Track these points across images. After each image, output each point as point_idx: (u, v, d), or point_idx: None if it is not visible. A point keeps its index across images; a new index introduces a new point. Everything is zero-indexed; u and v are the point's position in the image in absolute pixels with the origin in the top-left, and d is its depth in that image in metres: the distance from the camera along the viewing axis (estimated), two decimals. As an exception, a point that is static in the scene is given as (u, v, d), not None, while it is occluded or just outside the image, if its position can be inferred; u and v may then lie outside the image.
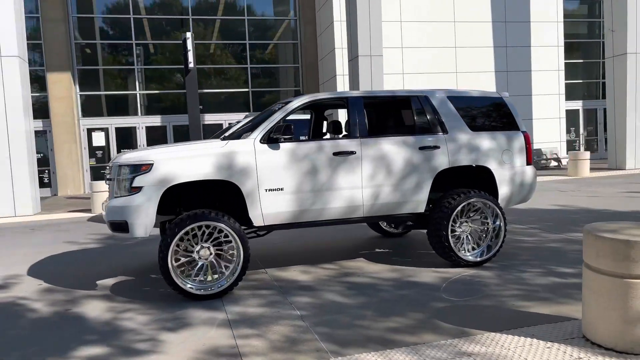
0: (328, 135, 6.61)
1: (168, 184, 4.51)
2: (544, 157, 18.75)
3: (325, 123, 6.53)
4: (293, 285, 4.86)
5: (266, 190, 4.79)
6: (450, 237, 5.17)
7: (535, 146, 19.44)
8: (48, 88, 17.86)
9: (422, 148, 5.24)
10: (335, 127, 5.91)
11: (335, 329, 3.65)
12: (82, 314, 4.30)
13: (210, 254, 4.65)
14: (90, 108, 18.62)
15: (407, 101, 5.72)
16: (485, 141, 5.47)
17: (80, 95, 18.51)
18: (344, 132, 5.80)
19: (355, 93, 5.29)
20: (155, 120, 18.90)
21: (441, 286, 4.62)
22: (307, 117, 10.34)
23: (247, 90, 19.74)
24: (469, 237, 5.42)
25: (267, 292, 4.67)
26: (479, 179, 5.80)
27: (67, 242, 7.94)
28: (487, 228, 5.42)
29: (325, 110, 6.38)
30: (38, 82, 18.20)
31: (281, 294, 4.59)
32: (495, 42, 18.86)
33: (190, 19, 18.97)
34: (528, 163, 5.68)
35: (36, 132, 18.24)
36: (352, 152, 5.04)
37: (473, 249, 5.39)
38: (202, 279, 4.62)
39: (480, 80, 18.69)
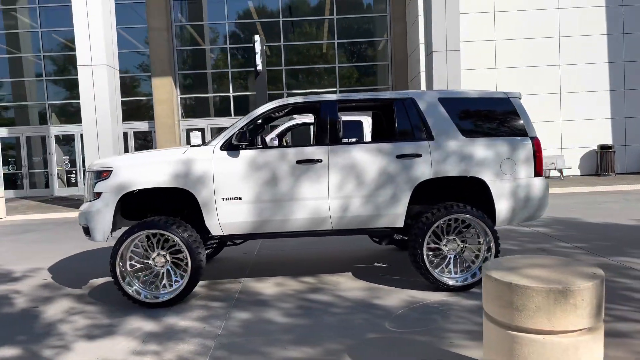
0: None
1: (124, 191, 4.58)
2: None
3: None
4: (250, 299, 4.67)
5: (223, 199, 4.66)
6: (425, 257, 4.60)
7: (660, 147, 16.80)
8: (153, 92, 19.45)
9: (400, 156, 4.72)
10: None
11: (233, 353, 3.41)
12: (41, 313, 4.54)
13: (166, 261, 4.64)
14: (189, 110, 19.91)
15: (390, 105, 5.20)
16: (480, 149, 4.77)
17: (180, 98, 19.87)
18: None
19: (330, 97, 4.93)
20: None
21: (396, 313, 4.12)
22: (359, 118, 9.95)
23: (334, 89, 19.68)
24: (459, 257, 4.78)
25: (218, 305, 4.54)
26: (475, 193, 5.10)
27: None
28: (481, 248, 4.74)
29: (300, 114, 6.00)
30: (146, 86, 19.92)
31: (228, 308, 4.43)
32: (610, 29, 16.59)
33: (281, 21, 19.38)
34: (537, 174, 4.85)
35: (142, 133, 20.00)
36: (318, 160, 4.69)
37: (462, 271, 4.75)
38: (158, 285, 4.63)
39: (588, 73, 16.60)
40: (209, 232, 4.94)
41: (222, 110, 19.82)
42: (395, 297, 4.53)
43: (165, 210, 5.12)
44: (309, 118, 9.50)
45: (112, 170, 4.63)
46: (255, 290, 4.97)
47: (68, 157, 19.75)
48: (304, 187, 4.69)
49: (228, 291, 4.98)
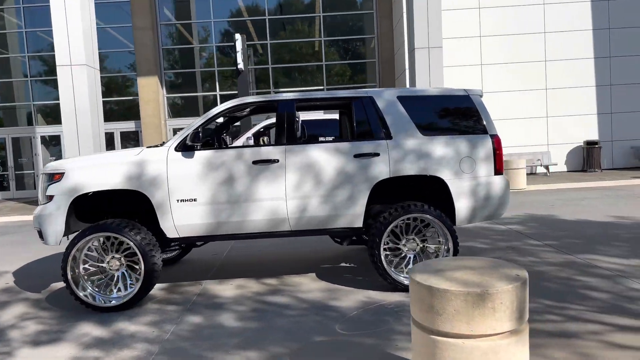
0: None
1: (76, 194, 4.50)
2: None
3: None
4: (207, 302, 4.61)
5: (178, 200, 4.59)
6: (382, 257, 4.54)
7: (646, 142, 16.78)
8: (139, 91, 19.34)
9: (357, 156, 4.66)
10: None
11: (174, 358, 3.35)
12: (-7, 318, 4.47)
13: (121, 264, 4.57)
14: (176, 109, 19.81)
15: (349, 104, 5.14)
16: (439, 147, 4.71)
17: (167, 97, 19.77)
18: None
19: (288, 96, 4.86)
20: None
21: (350, 314, 4.06)
22: (335, 116, 9.88)
23: (322, 87, 19.60)
24: (420, 257, 4.73)
25: (172, 308, 4.48)
26: (435, 192, 5.04)
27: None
28: (440, 248, 4.69)
29: (260, 113, 5.90)
30: (133, 86, 19.81)
31: (182, 312, 4.36)
32: (595, 24, 16.55)
33: (267, 20, 19.28)
34: (497, 172, 4.79)
35: (128, 133, 19.90)
36: (275, 161, 4.63)
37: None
38: (112, 289, 4.56)
39: (574, 68, 16.56)
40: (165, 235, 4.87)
41: (209, 109, 19.72)
42: (352, 299, 4.47)
43: (123, 212, 5.05)
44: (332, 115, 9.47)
45: (64, 173, 4.56)
46: (215, 292, 4.91)
47: (54, 158, 19.64)
48: (261, 188, 4.62)
49: (187, 294, 4.91)
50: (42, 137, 19.85)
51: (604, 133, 16.75)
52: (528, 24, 16.55)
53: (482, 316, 2.21)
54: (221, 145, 5.52)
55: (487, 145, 4.77)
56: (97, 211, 5.04)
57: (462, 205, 4.73)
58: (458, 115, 4.84)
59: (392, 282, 4.56)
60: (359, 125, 4.79)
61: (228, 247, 7.12)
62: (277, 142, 4.73)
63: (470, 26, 16.61)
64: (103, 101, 19.80)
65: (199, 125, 4.69)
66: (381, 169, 4.66)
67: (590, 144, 16.05)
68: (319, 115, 9.60)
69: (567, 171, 16.86)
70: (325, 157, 4.65)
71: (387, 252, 4.70)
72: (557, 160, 16.80)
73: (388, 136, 4.73)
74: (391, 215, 4.56)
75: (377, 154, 4.67)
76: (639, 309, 3.81)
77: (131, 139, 19.95)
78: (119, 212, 5.04)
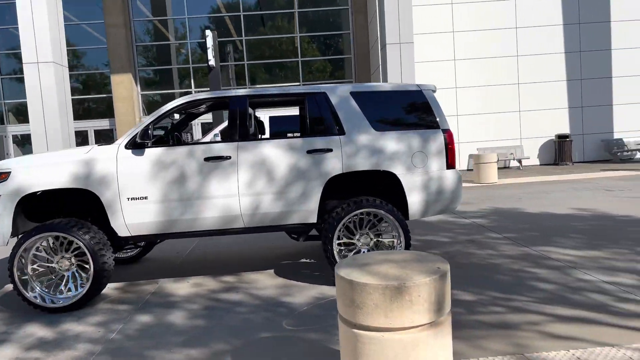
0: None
1: (23, 193, 4.43)
2: (626, 149, 16.39)
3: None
4: (160, 301, 4.58)
5: (128, 199, 4.54)
6: (335, 252, 4.56)
7: (618, 136, 17.06)
8: (112, 89, 19.10)
9: (310, 152, 4.65)
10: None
11: (115, 358, 3.32)
12: (-61, 321, 4.38)
13: (72, 264, 4.51)
14: (151, 107, 19.61)
15: (303, 100, 5.13)
16: (392, 142, 4.73)
17: (142, 94, 19.56)
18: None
19: (240, 92, 4.83)
20: (209, 117, 19.43)
21: (300, 310, 4.06)
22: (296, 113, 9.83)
23: (298, 84, 19.55)
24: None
25: (124, 308, 4.44)
26: (388, 186, 5.06)
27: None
28: (394, 242, 4.71)
29: (215, 110, 5.86)
30: (108, 84, 19.56)
31: (133, 311, 4.33)
32: (566, 19, 16.75)
33: (242, 15, 19.16)
34: (450, 166, 4.83)
35: (103, 131, 19.65)
36: (227, 157, 4.60)
37: (375, 265, 4.70)
38: (62, 290, 4.50)
39: (546, 63, 16.76)
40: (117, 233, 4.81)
41: (184, 106, 19.54)
42: (305, 294, 4.48)
43: (75, 212, 4.98)
44: (258, 113, 9.33)
45: (10, 172, 4.48)
46: (170, 291, 4.87)
47: (27, 157, 19.27)
48: (213, 185, 4.60)
49: (141, 293, 4.87)
50: (14, 136, 19.53)
51: (575, 127, 17.00)
52: (500, 20, 16.69)
53: (400, 309, 2.23)
54: (176, 142, 5.47)
55: (439, 139, 4.80)
56: (49, 211, 4.97)
57: (414, 200, 4.76)
58: (411, 110, 4.87)
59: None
60: (312, 121, 4.78)
61: (192, 245, 7.08)
62: (230, 139, 4.70)
63: (443, 22, 16.70)
64: (78, 99, 19.54)
65: (150, 123, 4.64)
66: (334, 165, 4.66)
67: (561, 137, 16.27)
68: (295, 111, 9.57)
69: (540, 165, 17.08)
70: (278, 154, 4.64)
71: (341, 247, 4.71)
72: (529, 154, 17.01)
73: (341, 132, 4.74)
74: (343, 211, 4.58)
75: (330, 150, 4.67)
76: (581, 299, 3.88)
77: (106, 138, 19.71)
78: (71, 212, 4.97)
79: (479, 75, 16.74)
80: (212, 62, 12.70)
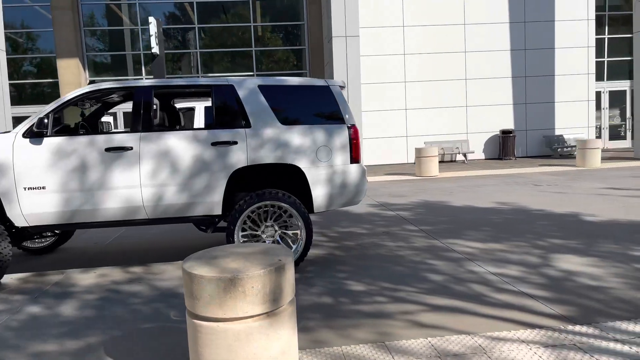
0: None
1: None
2: (566, 145, 17.01)
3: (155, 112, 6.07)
4: (58, 291, 4.54)
5: (25, 188, 4.48)
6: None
7: (559, 132, 17.67)
8: (59, 74, 18.56)
9: (215, 144, 4.68)
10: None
11: (-13, 349, 3.30)
12: None
13: (-35, 254, 4.43)
14: (98, 93, 19.12)
15: (209, 92, 5.15)
16: (297, 136, 4.80)
17: (90, 80, 19.08)
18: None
19: (144, 82, 4.81)
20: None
21: (192, 301, 4.10)
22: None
23: (252, 74, 19.45)
24: (281, 243, 4.82)
25: (18, 298, 4.38)
26: (294, 180, 5.15)
27: None
28: (298, 234, 4.80)
29: (118, 99, 5.76)
30: (50, 68, 18.97)
31: (26, 302, 4.28)
32: (512, 17, 17.18)
33: (195, 3, 18.87)
34: (354, 161, 4.94)
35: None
36: (129, 148, 4.59)
37: (278, 257, 4.79)
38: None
39: (492, 60, 17.17)
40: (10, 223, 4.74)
41: (134, 94, 19.17)
42: (205, 285, 4.51)
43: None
44: (194, 104, 9.24)
45: None
46: (73, 281, 4.84)
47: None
48: (114, 176, 4.58)
49: (43, 283, 4.82)
50: None
51: (519, 122, 17.51)
52: (449, 16, 16.98)
53: (233, 300, 2.30)
54: (80, 131, 5.40)
55: (344, 135, 4.90)
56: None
57: (318, 193, 4.85)
58: (317, 105, 4.95)
59: (246, 268, 4.63)
60: (219, 113, 4.81)
61: (114, 235, 7.02)
62: (132, 129, 4.68)
63: (394, 15, 16.87)
64: (23, 84, 18.92)
65: (50, 111, 4.58)
66: (239, 157, 4.71)
67: (505, 132, 16.74)
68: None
69: (485, 159, 17.55)
70: (182, 145, 4.65)
71: (246, 239, 4.77)
72: (475, 148, 17.44)
73: (247, 125, 4.78)
74: (246, 203, 4.63)
75: (235, 142, 4.71)
76: (461, 290, 4.06)
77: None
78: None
79: (428, 70, 17.02)
80: (155, 49, 12.50)
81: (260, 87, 4.91)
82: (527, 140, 17.58)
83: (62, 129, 4.95)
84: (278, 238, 4.82)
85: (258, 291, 2.33)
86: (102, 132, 4.66)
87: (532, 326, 3.27)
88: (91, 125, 5.59)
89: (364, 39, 16.60)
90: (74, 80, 18.50)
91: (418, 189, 10.64)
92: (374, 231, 6.52)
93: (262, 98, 4.86)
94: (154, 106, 4.83)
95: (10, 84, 18.94)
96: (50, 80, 19.06)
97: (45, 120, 4.43)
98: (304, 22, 19.40)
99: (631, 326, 3.18)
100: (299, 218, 4.70)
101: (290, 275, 2.49)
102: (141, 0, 18.91)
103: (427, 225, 6.70)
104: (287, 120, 4.85)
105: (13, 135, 4.51)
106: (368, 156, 17.23)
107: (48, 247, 6.13)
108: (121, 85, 4.78)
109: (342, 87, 5.17)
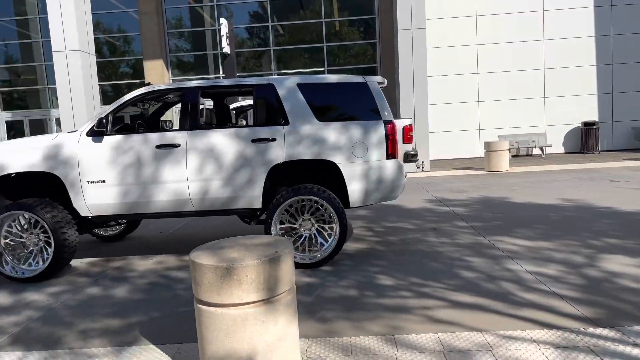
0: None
1: (-3, 175, 4.95)
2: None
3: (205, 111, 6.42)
4: (117, 276, 5.01)
5: (88, 182, 4.98)
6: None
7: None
8: (145, 75, 19.91)
9: (255, 140, 4.93)
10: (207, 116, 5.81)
11: (44, 324, 3.76)
12: None
13: (39, 240, 5.01)
14: (180, 92, 20.30)
15: (251, 91, 5.39)
16: (333, 133, 4.93)
17: (173, 80, 20.28)
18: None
19: (193, 83, 5.15)
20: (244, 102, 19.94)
21: (229, 288, 4.38)
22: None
23: (323, 69, 19.72)
24: (315, 237, 4.99)
25: (82, 280, 4.90)
26: (330, 175, 5.28)
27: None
28: (334, 228, 4.93)
29: (170, 100, 6.12)
30: (139, 70, 20.40)
31: (87, 284, 4.78)
32: (597, 1, 16.05)
33: (269, 2, 19.44)
34: (390, 157, 4.98)
35: (136, 116, 20.55)
36: (177, 145, 4.95)
37: (315, 249, 4.96)
38: (31, 263, 5.01)
39: (574, 47, 16.15)
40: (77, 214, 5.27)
41: (212, 91, 20.13)
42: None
43: (48, 192, 5.48)
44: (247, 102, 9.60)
45: (-15, 156, 5.00)
46: (131, 267, 5.31)
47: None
48: (164, 171, 4.96)
49: (106, 267, 5.33)
50: (57, 119, 20.77)
51: (604, 114, 16.36)
52: (526, 2, 16.19)
53: (229, 287, 2.50)
54: (142, 130, 5.86)
55: (380, 131, 4.95)
56: (26, 192, 5.49)
57: (354, 188, 4.95)
58: (354, 102, 5.04)
59: (283, 259, 4.84)
60: (259, 111, 5.04)
61: (177, 225, 7.53)
62: (181, 128, 5.04)
63: (465, 5, 16.37)
64: (118, 84, 20.50)
65: (109, 112, 5.04)
66: (277, 153, 4.92)
67: (587, 125, 15.73)
68: None
69: (565, 153, 16.59)
70: (225, 142, 4.94)
71: (285, 232, 4.97)
72: (553, 142, 16.54)
73: (285, 122, 4.98)
74: (282, 197, 4.84)
75: (274, 139, 4.93)
76: (490, 287, 4.00)
77: (138, 121, 20.58)
78: (45, 192, 5.47)
79: (502, 60, 16.36)
80: (226, 49, 13.08)
81: (299, 85, 5.08)
82: (613, 132, 16.39)
83: (122, 128, 5.43)
84: (315, 232, 4.98)
85: (252, 280, 2.50)
86: (154, 131, 5.06)
87: (550, 327, 3.19)
88: (151, 124, 6.06)
89: (431, 31, 16.28)
90: (158, 80, 19.76)
91: (482, 184, 10.34)
92: (422, 227, 6.49)
93: (301, 96, 5.03)
94: (201, 106, 5.15)
95: (107, 85, 20.61)
96: (138, 80, 20.50)
97: (104, 121, 4.89)
98: (375, 15, 19.33)
99: (658, 332, 3.01)
100: (333, 213, 4.83)
101: (287, 266, 2.65)
102: (220, 1, 19.76)
103: (479, 222, 6.56)
104: (325, 117, 4.99)
105: (79, 134, 5.03)
106: (435, 150, 16.91)
107: (117, 235, 6.72)
108: (172, 87, 5.15)
109: (380, 84, 5.21)
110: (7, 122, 21.04)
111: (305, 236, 5.00)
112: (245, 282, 2.50)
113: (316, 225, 4.98)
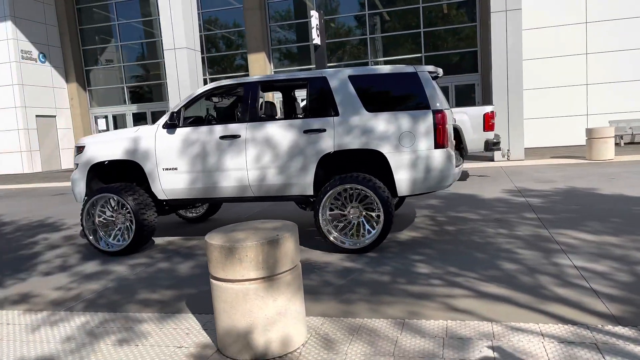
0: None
1: (90, 163, 5.78)
2: None
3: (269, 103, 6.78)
4: (188, 252, 5.60)
5: (163, 169, 5.62)
6: (321, 222, 5.10)
7: None
8: (249, 67, 21.07)
9: (307, 131, 5.22)
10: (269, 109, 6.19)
11: (116, 292, 4.39)
12: (39, 254, 5.99)
13: (125, 219, 5.76)
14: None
15: (305, 84, 5.63)
16: (381, 123, 5.05)
17: (274, 72, 21.22)
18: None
19: (254, 78, 5.54)
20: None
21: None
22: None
23: (419, 55, 19.43)
24: (364, 223, 5.17)
25: (160, 256, 5.55)
26: (378, 165, 5.39)
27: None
28: (376, 216, 5.07)
29: (232, 94, 6.50)
30: (245, 63, 21.65)
31: (163, 259, 5.42)
32: None
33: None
34: (438, 146, 4.99)
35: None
36: (238, 136, 5.40)
37: (362, 236, 5.14)
38: (120, 239, 5.78)
39: None
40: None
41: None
42: (295, 257, 5.12)
43: (134, 178, 6.23)
44: None
45: (84, 146, 5.84)
46: (202, 246, 5.89)
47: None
48: (227, 160, 5.44)
49: (181, 246, 5.97)
50: (134, 114, 22.93)
51: None
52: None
53: (232, 265, 2.82)
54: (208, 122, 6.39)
55: (428, 120, 4.97)
56: (120, 176, 6.29)
57: (401, 177, 5.04)
58: (404, 92, 5.10)
59: (331, 244, 5.10)
60: (312, 103, 5.31)
61: (256, 209, 8.08)
62: (241, 120, 5.47)
63: (574, -19, 15.15)
64: (218, 77, 21.95)
65: (181, 107, 5.62)
66: (327, 143, 5.16)
67: None
68: None
69: (692, 140, 14.79)
70: (280, 133, 5.28)
71: (333, 218, 5.21)
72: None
73: (336, 113, 5.19)
74: (329, 185, 5.07)
75: (324, 130, 5.17)
76: (526, 280, 3.92)
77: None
78: (132, 177, 6.24)
79: (614, 38, 14.93)
80: (316, 40, 13.47)
81: (351, 77, 5.25)
82: None
83: (195, 120, 6.00)
84: (362, 219, 5.15)
85: (251, 259, 2.80)
86: (221, 123, 5.55)
87: (567, 321, 3.11)
88: (226, 116, 6.59)
89: (527, 9, 15.31)
90: (261, 72, 20.79)
91: (576, 174, 9.69)
92: (487, 217, 6.36)
93: (351, 87, 5.20)
94: (260, 99, 5.53)
95: (216, 79, 22.13)
96: (243, 73, 21.72)
97: (176, 114, 5.46)
98: (475, -3, 18.56)
99: (683, 335, 2.81)
100: (377, 201, 4.96)
101: (287, 248, 2.91)
102: (318, -7, 20.21)
103: (549, 214, 6.26)
104: (374, 107, 5.12)
105: (156, 126, 5.67)
106: (534, 137, 15.95)
107: (200, 217, 7.42)
108: (234, 83, 5.60)
109: (432, 72, 5.21)
110: (133, 114, 23.51)
111: (354, 223, 5.20)
112: (246, 260, 2.80)
113: (364, 213, 5.15)
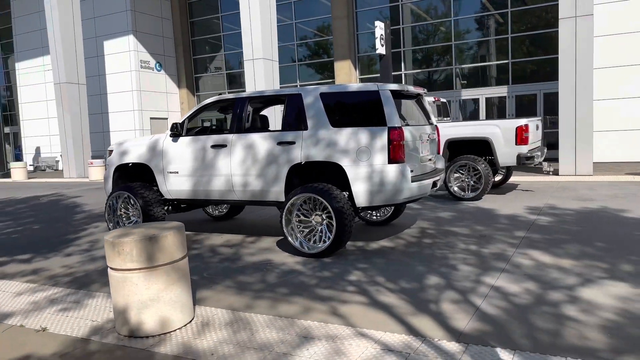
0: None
1: (115, 165, 6.83)
2: None
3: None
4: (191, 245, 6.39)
5: (168, 172, 6.48)
6: (284, 227, 5.57)
7: None
8: (335, 75, 21.81)
9: (280, 143, 5.73)
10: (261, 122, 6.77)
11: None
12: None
13: (139, 213, 6.71)
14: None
15: (284, 100, 6.09)
16: (343, 137, 5.40)
17: (359, 79, 21.74)
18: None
19: (242, 94, 6.17)
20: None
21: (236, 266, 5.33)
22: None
23: (507, 61, 18.72)
24: (328, 230, 5.54)
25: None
26: (340, 176, 5.71)
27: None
28: (331, 223, 5.41)
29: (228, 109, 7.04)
30: (330, 71, 22.43)
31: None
32: None
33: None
34: (392, 161, 5.21)
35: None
36: (224, 145, 6.07)
37: (323, 241, 5.50)
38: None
39: None
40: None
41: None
42: (255, 259, 5.66)
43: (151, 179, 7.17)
44: None
45: (112, 150, 6.92)
46: (210, 240, 6.65)
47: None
48: (216, 166, 6.14)
49: (190, 239, 6.77)
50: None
51: None
52: None
53: (114, 256, 3.47)
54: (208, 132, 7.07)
55: (383, 137, 5.23)
56: (141, 177, 7.27)
57: (358, 190, 5.35)
58: (365, 109, 5.41)
59: (294, 247, 5.55)
60: (287, 117, 5.81)
61: (275, 212, 8.69)
62: (230, 131, 6.13)
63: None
64: (305, 84, 22.92)
65: (185, 119, 6.44)
66: (296, 155, 5.63)
67: None
68: None
69: None
70: (258, 144, 5.86)
71: (298, 224, 5.64)
72: None
73: (305, 127, 5.64)
74: (292, 194, 5.53)
75: (294, 142, 5.65)
76: (430, 293, 4.07)
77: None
78: (150, 178, 7.17)
79: None
80: (380, 50, 13.76)
81: (322, 94, 5.66)
82: None
83: (200, 131, 6.78)
84: (324, 226, 5.52)
85: (127, 252, 3.42)
86: (214, 133, 6.26)
87: (414, 333, 3.30)
88: (223, 127, 7.30)
89: (598, 15, 14.11)
90: (347, 79, 21.41)
91: (629, 193, 8.95)
92: (475, 234, 6.33)
93: (321, 104, 5.61)
94: (248, 112, 6.13)
95: (302, 85, 23.18)
96: (329, 80, 22.50)
97: (178, 125, 6.28)
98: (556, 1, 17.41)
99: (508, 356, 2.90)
100: (331, 210, 5.30)
101: (165, 246, 3.48)
102: (405, 1, 20.34)
103: (542, 234, 6.08)
104: (338, 123, 5.48)
105: (165, 134, 6.55)
106: (610, 152, 14.64)
107: (224, 215, 8.23)
108: (227, 98, 6.28)
109: (394, 91, 5.43)
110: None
111: (316, 229, 5.59)
112: (123, 253, 3.43)
113: (326, 220, 5.52)
